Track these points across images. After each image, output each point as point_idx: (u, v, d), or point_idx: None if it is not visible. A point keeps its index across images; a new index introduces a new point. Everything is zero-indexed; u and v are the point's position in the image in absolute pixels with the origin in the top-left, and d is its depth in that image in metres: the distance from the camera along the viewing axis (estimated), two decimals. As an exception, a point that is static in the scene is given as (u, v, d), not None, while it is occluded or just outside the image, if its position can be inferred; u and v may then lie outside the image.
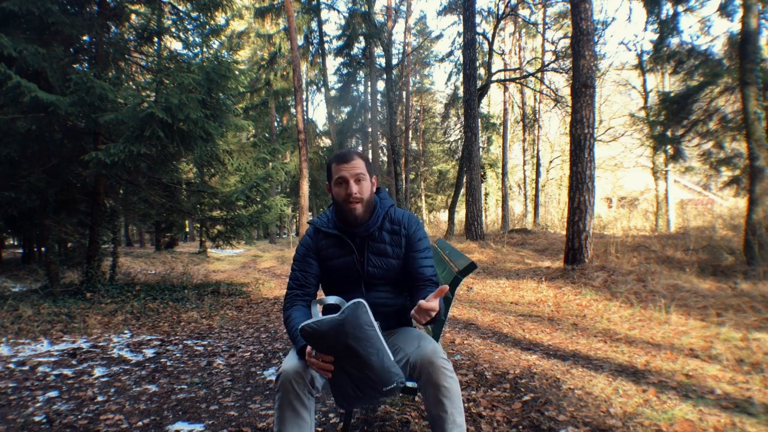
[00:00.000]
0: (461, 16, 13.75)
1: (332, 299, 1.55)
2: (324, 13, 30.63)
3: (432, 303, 1.34)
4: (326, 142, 26.85)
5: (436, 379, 1.39)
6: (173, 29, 6.56)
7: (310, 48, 20.59)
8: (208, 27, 6.72)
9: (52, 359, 3.33)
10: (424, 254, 1.69)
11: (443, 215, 25.43)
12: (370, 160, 1.74)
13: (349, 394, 1.38)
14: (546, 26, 17.91)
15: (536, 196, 20.08)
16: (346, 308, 1.32)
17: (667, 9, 8.74)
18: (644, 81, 15.09)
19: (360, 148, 26.27)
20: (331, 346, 1.33)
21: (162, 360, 3.37)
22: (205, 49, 6.98)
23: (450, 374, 1.40)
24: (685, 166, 10.51)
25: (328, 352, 1.34)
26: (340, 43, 20.26)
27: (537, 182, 20.16)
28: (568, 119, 8.06)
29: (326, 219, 1.73)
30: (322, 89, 21.79)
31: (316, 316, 1.47)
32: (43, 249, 9.06)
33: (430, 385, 1.40)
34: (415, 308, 1.38)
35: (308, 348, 1.39)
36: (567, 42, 13.01)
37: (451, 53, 19.99)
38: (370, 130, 22.26)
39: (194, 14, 6.58)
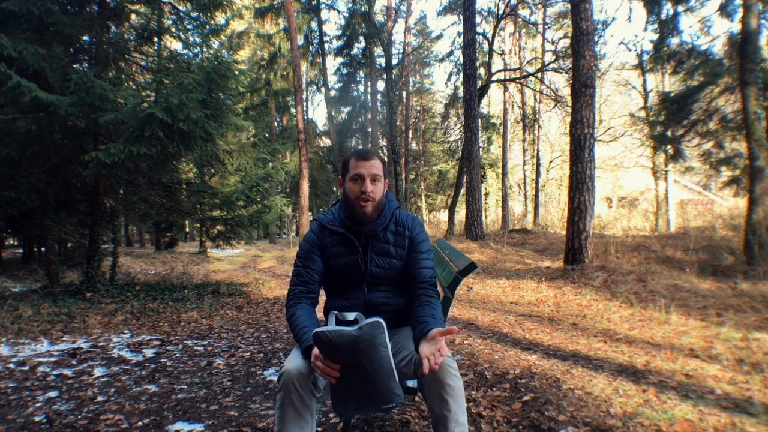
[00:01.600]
0: (461, 16, 13.75)
1: (351, 315, 1.56)
2: (324, 13, 30.67)
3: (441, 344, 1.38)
4: (326, 142, 26.86)
5: (441, 377, 1.38)
6: (173, 29, 6.55)
7: (310, 48, 20.58)
8: (208, 27, 6.73)
9: (52, 359, 3.33)
10: (425, 256, 1.70)
11: (443, 215, 25.43)
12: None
13: (347, 403, 1.38)
14: (546, 26, 17.91)
15: (536, 196, 20.08)
16: (365, 325, 1.32)
17: (667, 9, 8.75)
18: (644, 81, 15.08)
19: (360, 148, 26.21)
20: (342, 358, 1.33)
21: (162, 360, 3.37)
22: (205, 49, 6.99)
23: (455, 373, 1.40)
24: (685, 166, 10.50)
25: (337, 362, 1.34)
26: (340, 43, 20.26)
27: (537, 182, 20.16)
28: (568, 119, 8.06)
29: (332, 216, 1.71)
30: (322, 89, 21.79)
31: (332, 325, 1.48)
32: (43, 249, 9.06)
33: (435, 382, 1.39)
34: (427, 341, 1.41)
35: (315, 351, 1.38)
36: (567, 42, 13.01)
37: (451, 53, 20.00)
38: (370, 130, 22.25)
39: (194, 14, 6.58)
